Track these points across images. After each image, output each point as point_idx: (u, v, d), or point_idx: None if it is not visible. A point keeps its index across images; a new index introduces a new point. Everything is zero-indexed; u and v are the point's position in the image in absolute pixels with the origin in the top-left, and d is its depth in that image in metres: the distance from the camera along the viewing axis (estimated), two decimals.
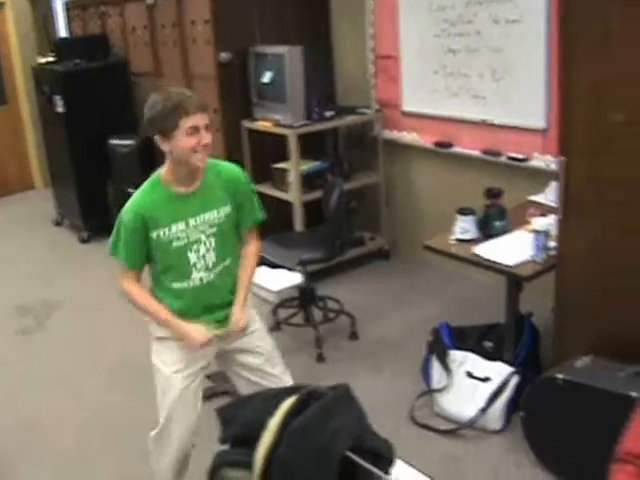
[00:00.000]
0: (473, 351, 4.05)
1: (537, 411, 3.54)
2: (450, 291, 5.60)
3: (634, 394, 2.10)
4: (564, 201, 3.54)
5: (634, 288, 3.38)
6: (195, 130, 2.80)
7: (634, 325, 3.37)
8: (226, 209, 3.00)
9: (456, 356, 4.04)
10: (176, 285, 3.00)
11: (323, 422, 2.00)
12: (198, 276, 3.00)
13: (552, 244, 3.76)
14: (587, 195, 3.46)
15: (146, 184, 2.98)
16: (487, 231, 4.06)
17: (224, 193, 3.00)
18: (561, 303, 3.73)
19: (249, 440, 2.06)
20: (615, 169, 3.33)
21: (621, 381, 3.15)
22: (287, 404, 2.07)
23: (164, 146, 2.86)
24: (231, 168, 3.09)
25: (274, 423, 2.03)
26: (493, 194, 4.15)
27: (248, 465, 2.02)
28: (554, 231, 3.74)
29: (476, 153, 5.46)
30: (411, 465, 2.21)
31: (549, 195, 4.41)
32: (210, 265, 3.00)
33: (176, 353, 3.03)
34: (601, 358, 3.46)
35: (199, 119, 2.81)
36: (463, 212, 4.06)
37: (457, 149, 5.63)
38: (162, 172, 2.96)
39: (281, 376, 3.20)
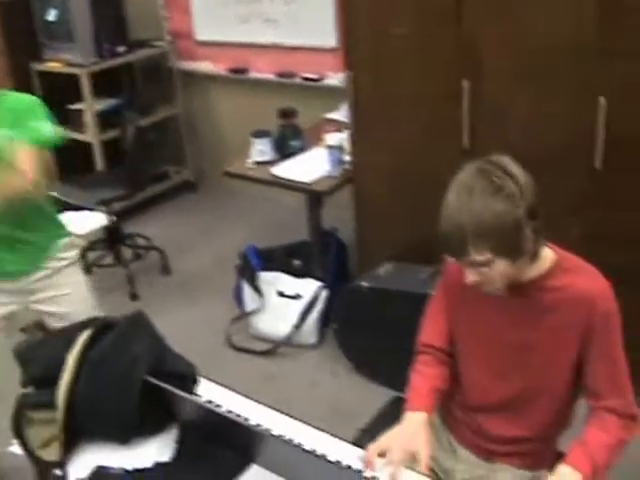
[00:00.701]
0: (282, 270, 4.12)
1: (347, 320, 3.66)
2: (257, 216, 5.64)
3: (430, 292, 2.22)
4: (354, 115, 3.62)
5: (427, 195, 3.52)
6: None
7: (430, 230, 3.51)
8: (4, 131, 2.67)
9: (266, 277, 4.09)
10: None
11: (120, 350, 1.99)
12: None
13: (347, 158, 3.85)
14: (375, 108, 3.56)
15: None
16: (284, 151, 4.10)
17: (6, 114, 2.68)
18: (360, 214, 3.86)
19: (51, 379, 2.01)
20: (398, 82, 3.44)
21: (420, 282, 3.30)
22: (82, 338, 2.03)
23: None
24: (17, 96, 2.78)
25: (71, 358, 1.99)
26: (287, 114, 4.18)
27: (52, 404, 1.98)
28: (348, 145, 3.82)
29: (271, 77, 5.46)
30: (230, 388, 2.23)
31: (343, 112, 4.48)
32: None
33: None
34: (403, 263, 3.61)
35: None
36: (258, 135, 4.08)
37: (252, 74, 5.61)
38: None
39: None
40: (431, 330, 2.21)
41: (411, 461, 1.92)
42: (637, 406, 1.99)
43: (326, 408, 3.53)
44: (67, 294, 2.95)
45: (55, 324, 2.93)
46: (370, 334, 3.52)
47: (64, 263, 2.94)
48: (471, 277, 1.87)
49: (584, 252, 3.18)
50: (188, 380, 2.09)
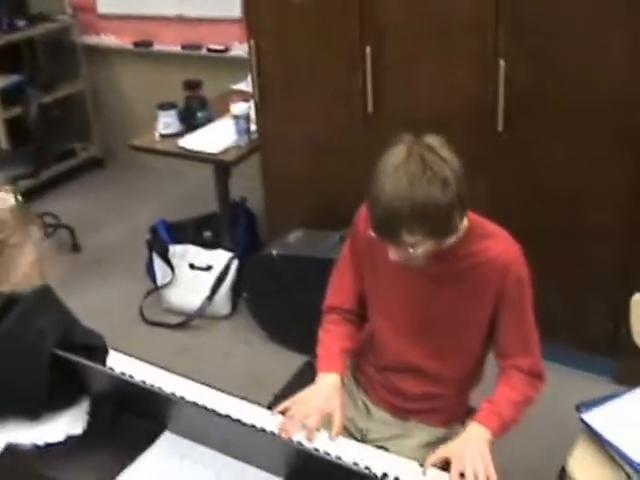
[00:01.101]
0: (193, 243, 4.11)
1: (258, 289, 3.69)
2: (166, 190, 5.60)
3: (334, 256, 2.25)
4: (258, 84, 3.63)
5: (333, 161, 3.57)
6: None
7: (337, 196, 3.56)
8: None
9: (176, 250, 4.07)
10: None
11: (26, 324, 1.96)
12: None
13: (253, 128, 3.85)
14: (278, 76, 3.57)
15: None
16: (191, 123, 4.07)
17: None
18: (268, 183, 3.88)
19: None
20: (300, 50, 3.46)
21: (329, 247, 3.34)
22: None
23: None
24: None
25: None
26: (192, 86, 4.16)
27: None
28: (254, 114, 3.82)
29: (177, 49, 5.40)
30: (143, 360, 2.23)
31: (250, 82, 4.48)
32: None
33: None
34: (312, 230, 3.64)
35: None
36: (163, 107, 4.04)
37: (157, 47, 5.54)
38: None
39: None
40: (338, 291, 2.24)
41: (326, 423, 1.97)
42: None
43: (241, 377, 3.55)
44: None
45: None
46: (282, 301, 3.55)
47: None
48: (396, 255, 1.89)
49: (490, 214, 3.30)
50: (98, 351, 2.08)
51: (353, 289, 2.20)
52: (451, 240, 1.94)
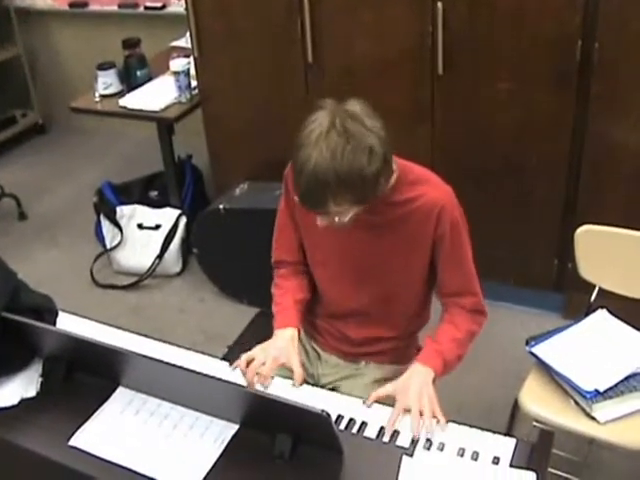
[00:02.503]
0: (140, 203, 4.08)
1: (208, 244, 3.68)
2: (111, 152, 5.53)
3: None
4: (196, 38, 3.59)
5: (275, 113, 3.56)
6: None
7: (280, 147, 3.53)
8: None
9: (124, 211, 4.05)
10: None
11: None
12: None
13: (194, 83, 3.81)
14: (216, 30, 3.53)
15: None
16: (131, 82, 4.02)
17: None
18: (212, 138, 3.86)
19: None
20: (237, 2, 3.42)
21: (275, 198, 3.29)
22: None
23: None
24: None
25: None
26: (130, 44, 4.09)
27: None
28: (194, 70, 3.78)
29: (113, 8, 5.30)
30: (97, 320, 2.22)
31: (189, 38, 4.42)
32: None
33: None
34: (258, 182, 3.64)
35: None
36: (102, 67, 3.98)
37: (94, 7, 5.42)
38: None
39: None
40: (282, 245, 2.25)
41: (286, 373, 2.01)
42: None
43: (196, 333, 3.57)
44: None
45: None
46: (231, 255, 3.55)
47: None
48: (323, 222, 1.89)
49: (435, 156, 3.33)
50: (47, 313, 2.07)
51: (295, 241, 2.20)
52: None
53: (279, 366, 1.99)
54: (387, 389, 1.90)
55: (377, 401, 1.88)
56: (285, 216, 2.19)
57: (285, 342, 2.05)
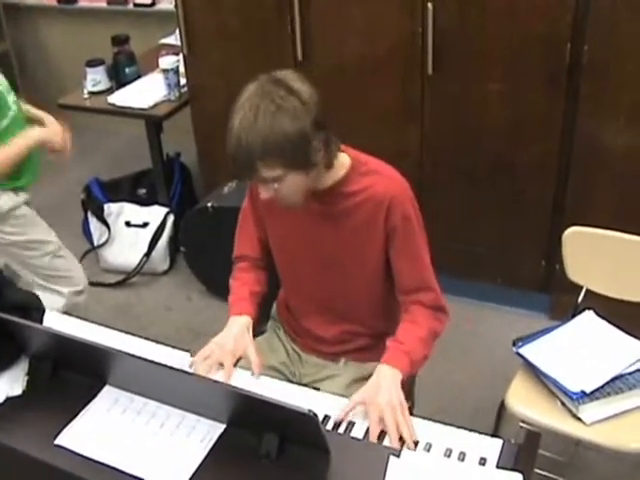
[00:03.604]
0: (128, 200, 4.07)
1: (195, 243, 3.67)
2: (100, 149, 5.51)
3: None
4: (185, 35, 3.58)
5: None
6: None
7: None
8: None
9: (111, 209, 4.04)
10: None
11: None
12: None
13: (183, 81, 3.81)
14: (205, 26, 3.52)
15: None
16: (120, 79, 4.01)
17: None
18: (201, 136, 3.86)
19: None
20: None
21: None
22: None
23: None
24: None
25: None
26: (119, 41, 4.09)
27: None
28: (183, 68, 3.77)
29: (102, 5, 5.28)
30: (82, 319, 2.22)
31: (178, 35, 4.41)
32: None
33: None
34: (247, 181, 3.62)
35: None
36: (91, 64, 3.97)
37: (83, 4, 5.40)
38: None
39: None
40: (243, 241, 2.28)
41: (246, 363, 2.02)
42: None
43: (183, 331, 3.56)
44: None
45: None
46: (219, 254, 3.51)
47: None
48: (265, 193, 1.90)
49: (424, 155, 3.34)
50: (34, 311, 2.06)
51: (256, 237, 2.23)
52: (331, 177, 1.97)
53: (238, 358, 2.02)
54: (356, 399, 1.85)
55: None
56: (248, 213, 2.22)
57: (239, 329, 2.07)
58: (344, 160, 1.99)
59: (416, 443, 1.74)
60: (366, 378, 1.97)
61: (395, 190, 1.97)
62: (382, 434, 1.77)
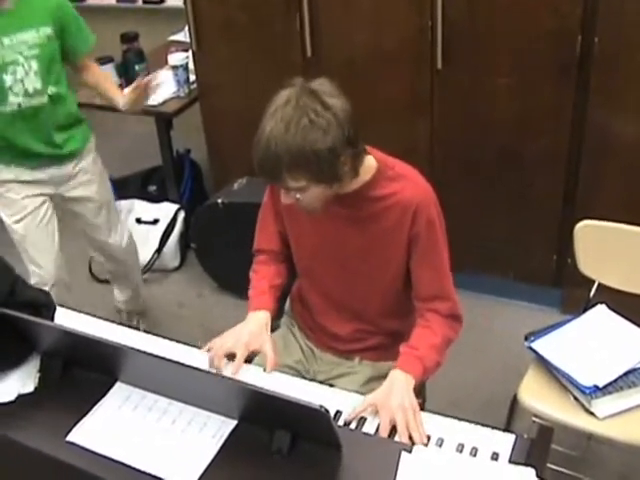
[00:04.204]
0: (138, 197, 4.08)
1: (206, 239, 3.68)
2: (109, 147, 5.44)
3: None
4: (194, 31, 3.58)
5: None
6: None
7: None
8: (47, 30, 2.72)
9: (122, 206, 4.03)
10: None
11: None
12: (16, 101, 2.73)
13: (193, 78, 3.81)
14: (213, 22, 3.52)
15: None
16: (129, 76, 4.00)
17: (44, 12, 2.72)
18: (211, 133, 3.85)
19: None
20: None
21: None
22: None
23: None
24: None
25: None
26: (128, 38, 4.09)
27: None
28: (192, 65, 3.77)
29: (112, 2, 5.29)
30: (95, 315, 2.22)
31: (187, 32, 4.41)
32: (31, 90, 2.74)
33: None
34: (256, 177, 3.62)
35: None
36: (101, 61, 3.95)
37: (92, 1, 5.41)
38: None
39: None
40: (264, 235, 2.27)
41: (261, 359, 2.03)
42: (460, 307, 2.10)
43: (194, 328, 3.56)
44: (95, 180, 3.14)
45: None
46: (229, 250, 3.54)
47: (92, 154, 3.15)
48: (286, 199, 1.90)
49: (434, 149, 3.33)
50: (45, 308, 2.06)
51: (277, 231, 2.22)
52: (358, 181, 1.95)
53: (250, 353, 2.01)
54: (369, 401, 1.85)
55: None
56: (269, 207, 2.20)
57: (257, 326, 2.06)
58: (370, 163, 1.96)
59: (428, 437, 1.74)
60: (382, 377, 1.97)
61: (421, 196, 1.96)
62: (392, 433, 1.77)
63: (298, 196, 1.85)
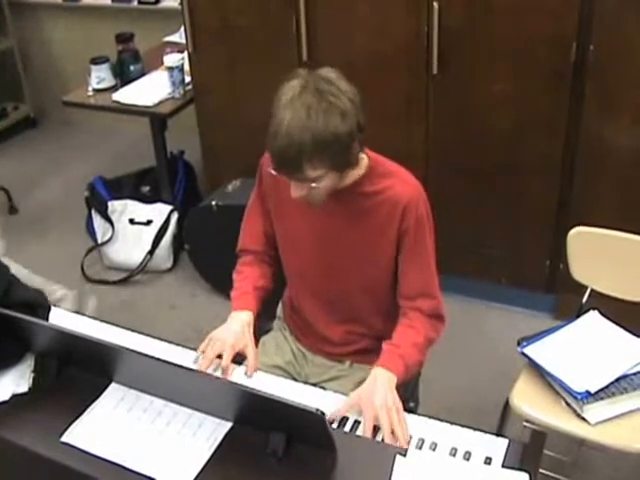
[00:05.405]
0: (132, 198, 4.07)
1: (199, 240, 3.68)
2: (104, 147, 5.51)
3: None
4: (190, 32, 3.58)
5: (269, 110, 3.53)
6: None
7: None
8: None
9: (115, 206, 4.04)
10: None
11: None
12: None
13: (188, 79, 3.81)
14: (209, 23, 3.53)
15: None
16: (124, 77, 4.01)
17: None
18: (205, 134, 3.86)
19: None
20: None
21: None
22: None
23: None
24: None
25: None
26: (124, 39, 4.08)
27: None
28: (188, 66, 3.78)
29: (107, 2, 5.28)
30: (87, 315, 2.22)
31: (183, 34, 4.41)
32: None
33: None
34: (251, 179, 3.61)
35: None
36: (96, 61, 3.97)
37: (88, 1, 5.40)
38: None
39: None
40: (249, 234, 2.27)
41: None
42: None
43: (187, 329, 3.55)
44: None
45: None
46: (223, 252, 3.51)
47: None
48: (298, 192, 1.89)
49: (429, 155, 3.33)
50: (39, 308, 2.06)
51: (262, 231, 2.22)
52: (352, 176, 1.97)
53: (236, 354, 2.01)
54: (351, 400, 1.86)
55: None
56: (256, 206, 2.21)
57: (240, 326, 2.06)
58: (363, 160, 1.99)
59: (422, 442, 1.74)
60: None
61: (411, 193, 1.97)
62: (375, 431, 1.78)
63: (314, 185, 1.85)
